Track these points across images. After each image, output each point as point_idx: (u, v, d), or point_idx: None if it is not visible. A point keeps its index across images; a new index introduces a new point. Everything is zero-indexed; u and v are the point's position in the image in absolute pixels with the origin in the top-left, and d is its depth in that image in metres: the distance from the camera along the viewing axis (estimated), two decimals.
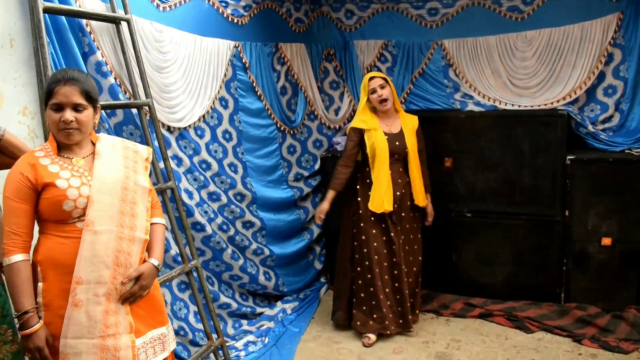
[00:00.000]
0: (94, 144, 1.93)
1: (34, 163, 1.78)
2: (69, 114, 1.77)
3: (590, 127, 3.64)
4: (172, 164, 3.13)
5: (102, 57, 2.64)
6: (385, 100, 3.32)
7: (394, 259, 3.36)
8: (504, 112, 3.79)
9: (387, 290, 3.37)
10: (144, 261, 1.94)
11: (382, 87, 3.31)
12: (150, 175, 2.10)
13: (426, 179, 3.50)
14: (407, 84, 4.10)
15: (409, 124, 3.42)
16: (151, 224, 2.03)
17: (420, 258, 3.52)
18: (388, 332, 3.34)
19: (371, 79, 3.34)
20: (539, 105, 3.73)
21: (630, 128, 3.61)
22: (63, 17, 2.43)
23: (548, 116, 3.60)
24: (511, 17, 3.83)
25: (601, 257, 3.51)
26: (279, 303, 3.92)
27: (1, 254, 1.82)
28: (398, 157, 3.36)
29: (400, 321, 3.40)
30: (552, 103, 3.70)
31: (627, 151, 3.50)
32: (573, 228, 3.55)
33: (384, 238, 3.37)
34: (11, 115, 2.26)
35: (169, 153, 3.09)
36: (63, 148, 1.86)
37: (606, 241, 3.47)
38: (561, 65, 3.71)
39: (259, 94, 3.83)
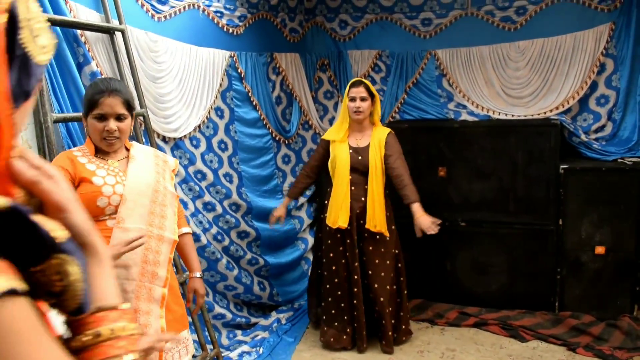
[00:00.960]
0: (127, 150, 2.02)
1: (72, 158, 1.87)
2: (113, 124, 1.86)
3: (583, 137, 3.67)
4: None
5: (97, 67, 2.64)
6: (359, 112, 3.19)
7: (354, 277, 3.30)
8: (498, 121, 3.81)
9: (352, 304, 3.35)
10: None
11: (362, 99, 3.18)
12: None
13: (409, 188, 3.12)
14: (401, 93, 4.12)
15: (377, 138, 3.22)
16: (182, 234, 2.17)
17: (387, 287, 3.27)
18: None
19: (356, 85, 3.21)
20: (532, 115, 3.75)
21: (622, 137, 3.64)
22: (57, 28, 2.43)
23: (541, 126, 3.63)
24: (504, 27, 3.86)
25: (595, 265, 3.52)
26: (273, 313, 3.91)
27: None
28: (361, 172, 3.22)
29: (355, 337, 3.37)
30: (545, 113, 3.73)
31: (619, 160, 3.53)
32: (567, 237, 3.56)
33: (347, 254, 3.32)
34: None
35: None
36: (99, 151, 1.95)
37: (600, 250, 3.49)
38: (554, 75, 3.75)
39: (254, 103, 3.84)
